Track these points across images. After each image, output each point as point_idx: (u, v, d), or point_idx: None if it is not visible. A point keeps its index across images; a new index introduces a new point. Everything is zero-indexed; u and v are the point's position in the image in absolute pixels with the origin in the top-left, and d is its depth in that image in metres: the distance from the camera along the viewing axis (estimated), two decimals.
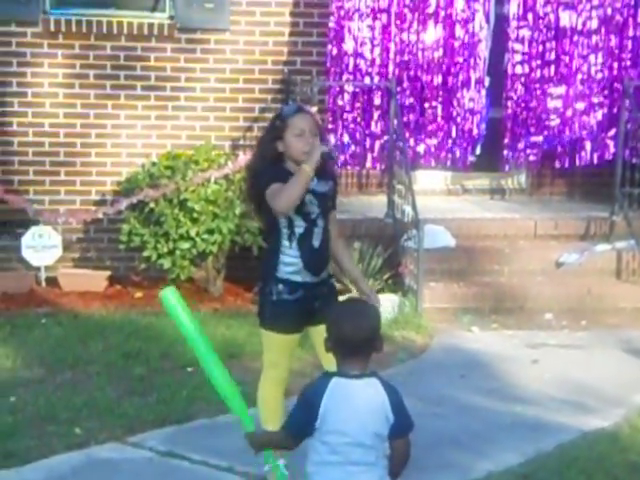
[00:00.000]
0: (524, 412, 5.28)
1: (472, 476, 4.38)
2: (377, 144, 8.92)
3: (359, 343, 2.91)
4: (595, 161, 9.03)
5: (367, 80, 8.55)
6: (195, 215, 7.42)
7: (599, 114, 9.02)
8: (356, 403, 2.84)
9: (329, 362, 3.11)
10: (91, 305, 7.46)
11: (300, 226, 3.98)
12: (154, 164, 7.83)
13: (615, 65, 8.96)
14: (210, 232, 7.46)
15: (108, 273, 8.12)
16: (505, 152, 9.01)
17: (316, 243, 4.03)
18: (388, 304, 6.71)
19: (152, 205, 7.50)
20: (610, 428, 5.08)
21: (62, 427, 4.87)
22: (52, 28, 8.15)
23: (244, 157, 7.80)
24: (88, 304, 7.48)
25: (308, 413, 2.84)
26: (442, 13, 8.72)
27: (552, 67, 8.92)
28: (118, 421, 4.96)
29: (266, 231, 4.04)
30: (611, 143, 8.93)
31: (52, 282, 7.93)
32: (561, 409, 5.33)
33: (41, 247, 7.85)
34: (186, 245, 7.44)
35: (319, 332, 3.54)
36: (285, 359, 4.16)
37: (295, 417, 2.91)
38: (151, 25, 8.24)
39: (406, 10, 8.69)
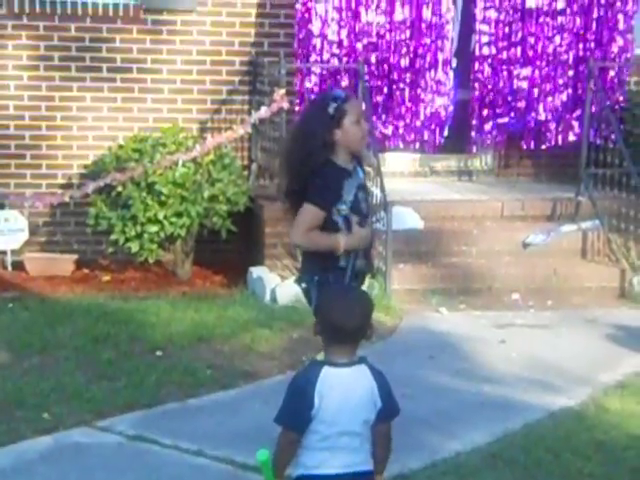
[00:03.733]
0: (492, 392, 5.33)
1: (441, 456, 4.42)
2: None
3: (349, 331, 2.88)
4: (560, 142, 9.08)
5: (335, 62, 8.52)
6: (163, 198, 7.38)
7: (564, 95, 9.05)
8: (346, 393, 2.82)
9: None
10: (58, 289, 7.41)
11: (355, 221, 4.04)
12: (121, 147, 7.77)
13: (580, 46, 8.99)
14: (178, 215, 7.42)
15: (75, 257, 8.07)
16: (472, 134, 9.03)
17: (368, 233, 4.11)
18: None
19: (119, 188, 7.45)
20: (576, 407, 5.14)
21: (30, 412, 4.84)
22: (16, 9, 8.05)
23: (212, 140, 7.77)
24: (55, 288, 7.43)
25: (302, 401, 2.80)
26: None
27: (518, 48, 8.93)
28: (87, 406, 4.94)
29: None
30: (576, 124, 8.97)
31: (18, 266, 7.87)
32: (528, 388, 5.39)
33: (7, 231, 7.77)
34: (154, 228, 7.40)
35: None
36: None
37: (289, 408, 2.85)
38: (116, 6, 8.16)
39: None
